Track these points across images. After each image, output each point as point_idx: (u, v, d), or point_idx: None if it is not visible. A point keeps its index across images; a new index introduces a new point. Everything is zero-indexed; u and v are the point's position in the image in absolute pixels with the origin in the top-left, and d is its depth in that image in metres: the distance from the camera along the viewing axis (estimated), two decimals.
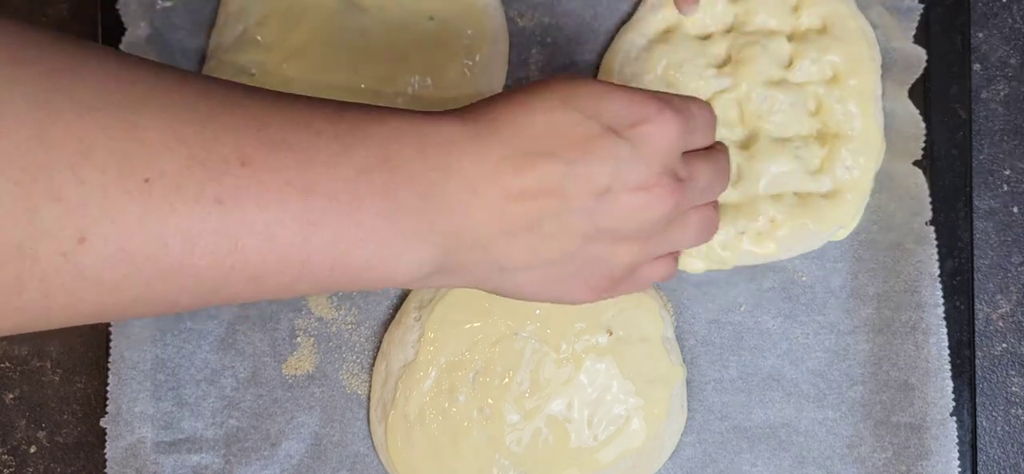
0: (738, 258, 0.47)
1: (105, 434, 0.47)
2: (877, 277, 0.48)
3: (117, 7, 0.48)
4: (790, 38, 0.48)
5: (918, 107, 0.48)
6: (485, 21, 0.49)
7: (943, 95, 0.48)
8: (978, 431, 0.48)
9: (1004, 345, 0.51)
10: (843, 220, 0.47)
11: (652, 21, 0.48)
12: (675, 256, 0.38)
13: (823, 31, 0.48)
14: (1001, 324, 0.51)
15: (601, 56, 0.50)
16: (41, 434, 0.52)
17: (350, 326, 0.49)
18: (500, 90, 0.49)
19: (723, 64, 0.48)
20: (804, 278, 0.49)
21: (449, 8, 0.49)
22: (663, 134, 0.33)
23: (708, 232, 0.37)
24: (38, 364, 0.52)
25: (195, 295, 0.30)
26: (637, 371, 0.47)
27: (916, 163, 0.48)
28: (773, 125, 0.47)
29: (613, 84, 0.34)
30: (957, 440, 0.46)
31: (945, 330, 0.47)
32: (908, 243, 0.47)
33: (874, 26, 0.48)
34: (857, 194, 0.47)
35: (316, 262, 0.30)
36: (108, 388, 0.48)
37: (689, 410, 0.48)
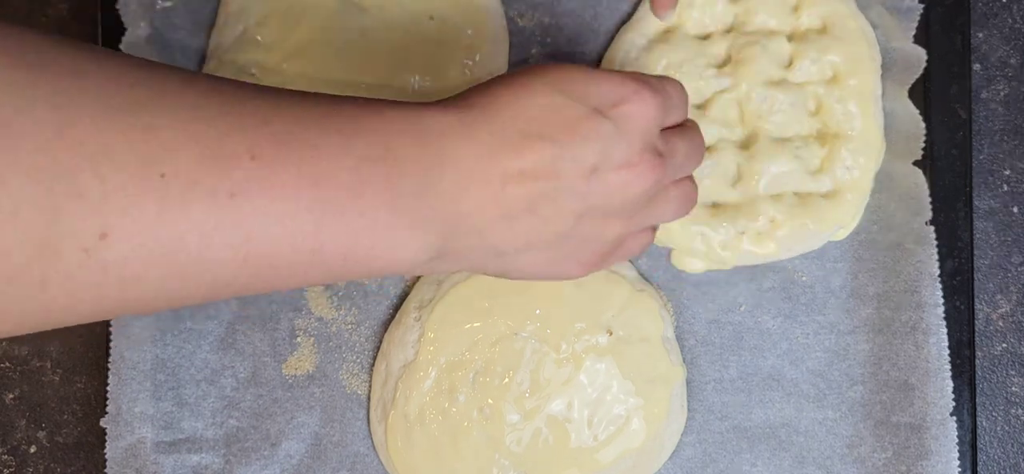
0: (738, 258, 0.47)
1: (105, 434, 0.47)
2: (877, 277, 0.48)
3: (117, 7, 0.48)
4: (790, 38, 0.48)
5: (918, 107, 0.48)
6: (485, 21, 0.49)
7: (943, 95, 0.48)
8: (978, 431, 0.48)
9: (1004, 345, 0.51)
10: (843, 220, 0.47)
11: (652, 21, 0.48)
12: (654, 228, 0.40)
13: (823, 31, 0.48)
14: (1001, 324, 0.51)
15: (601, 56, 0.50)
16: (41, 434, 0.52)
17: (350, 326, 0.49)
18: None
19: (723, 64, 0.48)
20: (804, 278, 0.49)
21: (449, 8, 0.49)
22: (643, 112, 0.34)
23: (687, 205, 0.39)
24: (38, 364, 0.52)
25: (210, 287, 0.30)
26: (637, 371, 0.47)
27: (916, 163, 0.48)
28: (773, 125, 0.47)
29: (594, 68, 0.35)
30: (957, 440, 0.46)
31: (945, 330, 0.47)
32: (908, 243, 0.48)
33: (874, 26, 0.48)
34: (857, 194, 0.47)
35: (326, 251, 0.31)
36: (108, 388, 0.48)
37: (689, 410, 0.48)
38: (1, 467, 0.51)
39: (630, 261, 0.49)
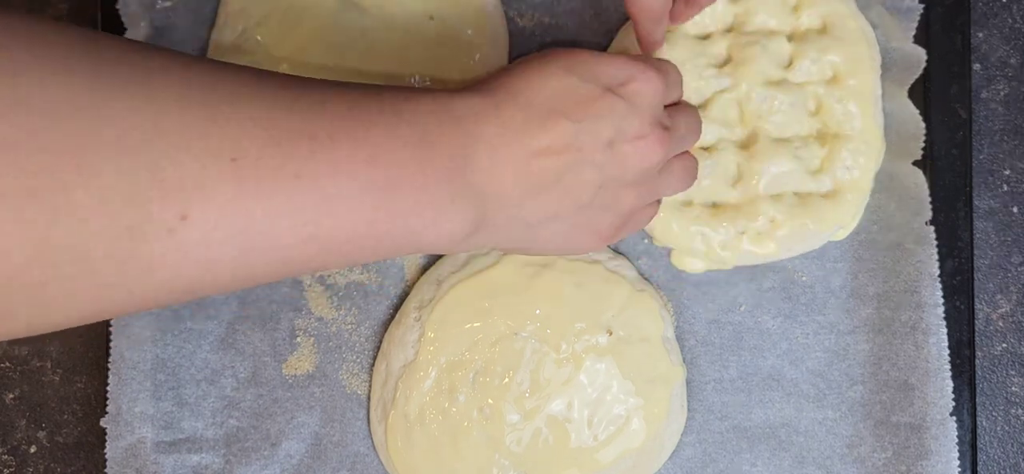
0: (738, 258, 0.47)
1: (105, 434, 0.48)
2: (877, 277, 0.48)
3: (117, 7, 0.48)
4: (790, 38, 0.48)
5: (918, 107, 0.48)
6: (485, 21, 0.49)
7: (943, 95, 0.48)
8: (978, 431, 0.48)
9: (1004, 345, 0.51)
10: (843, 220, 0.47)
11: None
12: (658, 202, 0.43)
13: (823, 31, 0.48)
14: (1001, 324, 0.51)
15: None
16: (41, 434, 0.52)
17: (350, 326, 0.49)
18: None
19: (723, 64, 0.48)
20: (804, 278, 0.49)
21: (449, 8, 0.49)
22: (650, 89, 0.38)
23: (690, 178, 0.42)
24: (38, 364, 0.52)
25: (276, 266, 0.32)
26: (637, 371, 0.47)
27: (916, 163, 0.48)
28: (773, 125, 0.47)
29: (599, 52, 0.38)
30: (957, 440, 0.46)
31: (945, 330, 0.47)
32: (908, 243, 0.48)
33: (874, 26, 0.48)
34: (857, 194, 0.47)
35: (381, 227, 0.33)
36: (108, 388, 0.48)
37: (689, 410, 0.48)
38: (1, 467, 0.51)
39: (630, 261, 0.49)
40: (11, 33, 0.27)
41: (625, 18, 0.50)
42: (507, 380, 0.47)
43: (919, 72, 0.48)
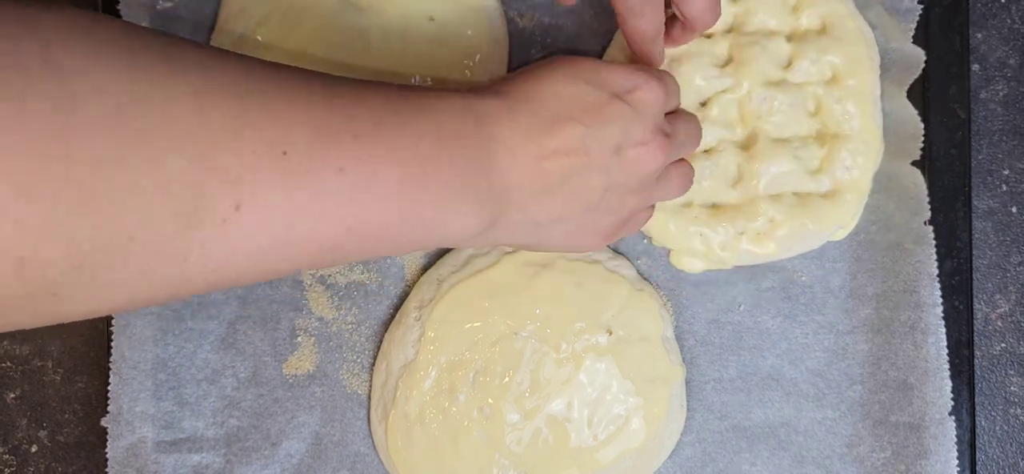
0: (738, 258, 0.47)
1: (106, 433, 0.48)
2: (876, 277, 0.48)
3: (118, 7, 0.48)
4: (789, 38, 0.48)
5: (917, 107, 0.48)
6: (485, 21, 0.49)
7: (942, 95, 0.49)
8: (977, 430, 0.48)
9: (1003, 345, 0.51)
10: (842, 220, 0.47)
11: None
12: (653, 206, 0.44)
13: (822, 31, 0.48)
14: (1000, 324, 0.51)
15: (601, 56, 0.50)
16: (42, 433, 0.52)
17: (350, 326, 0.49)
18: None
19: (724, 64, 0.48)
20: (803, 278, 0.49)
21: (449, 8, 0.49)
22: (653, 97, 0.39)
23: (686, 184, 0.44)
24: (39, 364, 0.52)
25: (317, 255, 0.33)
26: (637, 371, 0.47)
27: (915, 163, 0.48)
28: (773, 125, 0.47)
29: (604, 61, 0.40)
30: (956, 439, 0.47)
31: (944, 330, 0.47)
32: (907, 243, 0.48)
33: (873, 26, 0.48)
34: (856, 194, 0.47)
35: (409, 221, 0.35)
36: (109, 387, 0.48)
37: (689, 410, 0.48)
38: (2, 466, 0.51)
39: (630, 261, 0.49)
40: (75, 28, 0.27)
41: None
42: (507, 380, 0.47)
43: (918, 72, 0.48)
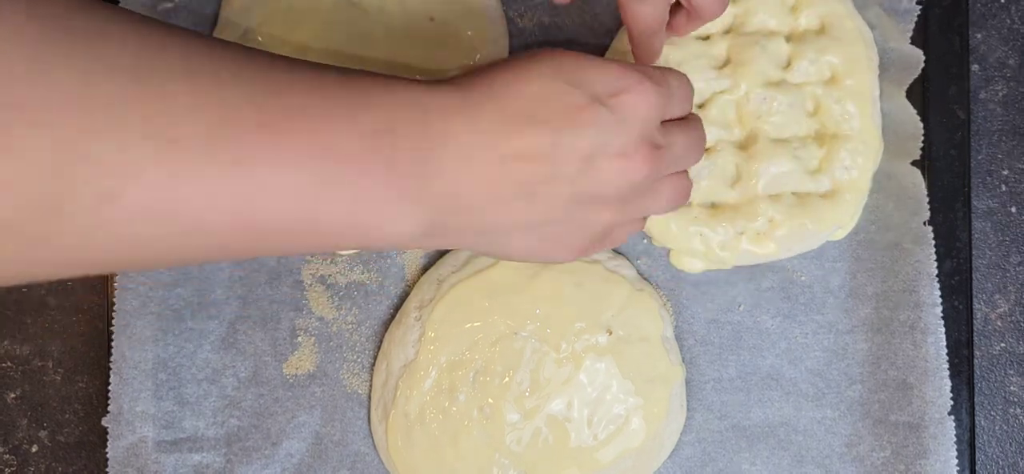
0: (737, 258, 0.47)
1: (106, 433, 0.48)
2: (875, 277, 0.48)
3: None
4: (788, 39, 0.48)
5: (917, 108, 0.48)
6: (485, 21, 0.49)
7: (941, 96, 0.49)
8: (976, 430, 0.48)
9: (1002, 345, 0.51)
10: (841, 220, 0.47)
11: None
12: (644, 218, 0.40)
13: (821, 32, 0.48)
14: (999, 324, 0.52)
15: (601, 56, 0.50)
16: (43, 433, 0.52)
17: (350, 326, 0.49)
18: None
19: (723, 65, 0.48)
20: (803, 278, 0.49)
21: (449, 8, 0.49)
22: (643, 103, 0.35)
23: (679, 199, 0.39)
24: (40, 364, 0.52)
25: (209, 250, 0.31)
26: (637, 371, 0.47)
27: (914, 163, 0.48)
28: (772, 126, 0.47)
29: (596, 56, 0.35)
30: (955, 439, 0.47)
31: (943, 329, 0.47)
32: (906, 243, 0.48)
33: (872, 27, 0.48)
34: (855, 194, 0.47)
35: (323, 221, 0.32)
36: (109, 387, 0.48)
37: (688, 409, 0.49)
38: (3, 466, 0.52)
39: (629, 261, 0.49)
40: None
41: None
42: (507, 380, 0.47)
43: (917, 72, 0.48)
